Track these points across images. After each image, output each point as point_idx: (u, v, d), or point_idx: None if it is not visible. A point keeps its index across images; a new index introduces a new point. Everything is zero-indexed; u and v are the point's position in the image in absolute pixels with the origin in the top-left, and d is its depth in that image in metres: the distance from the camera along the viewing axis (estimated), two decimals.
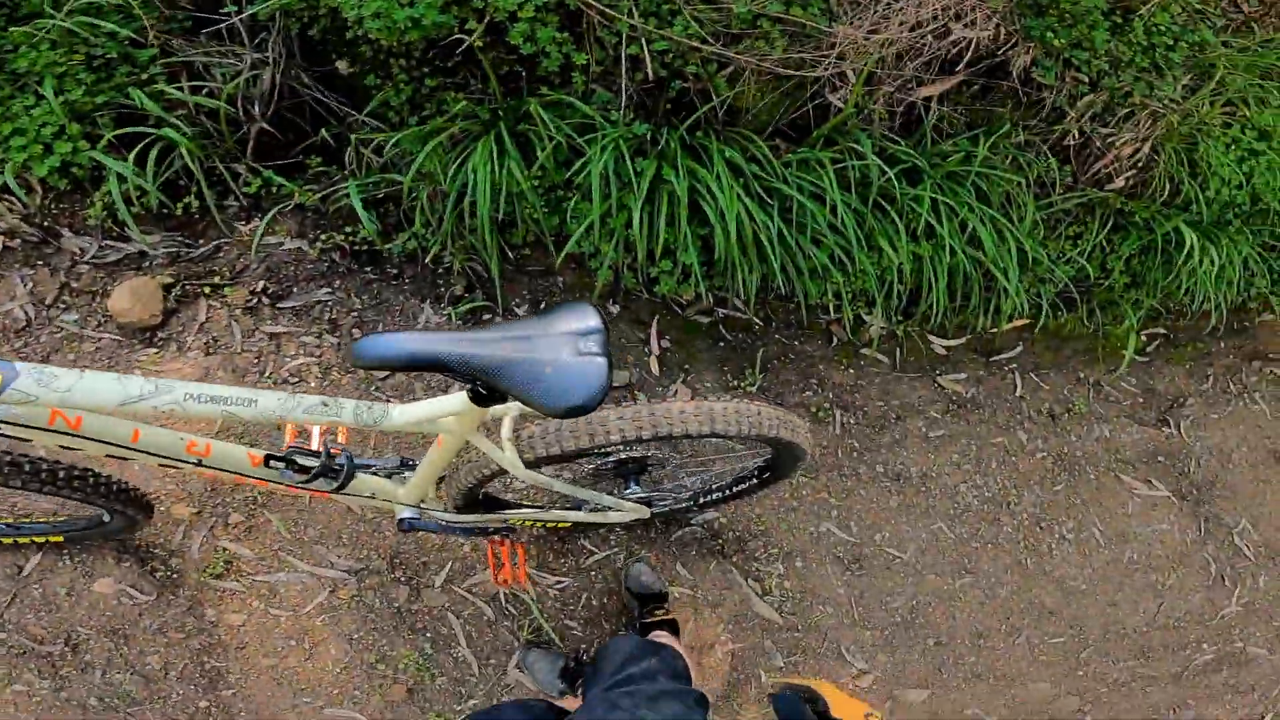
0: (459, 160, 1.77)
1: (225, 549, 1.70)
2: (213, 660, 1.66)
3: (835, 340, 2.21)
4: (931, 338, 2.29)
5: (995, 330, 2.26)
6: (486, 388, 0.96)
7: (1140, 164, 2.18)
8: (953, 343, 2.32)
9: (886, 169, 1.87)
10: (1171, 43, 2.05)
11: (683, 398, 1.12)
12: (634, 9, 1.76)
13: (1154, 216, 2.17)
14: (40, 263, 1.87)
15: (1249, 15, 2.38)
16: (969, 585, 2.13)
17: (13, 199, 1.83)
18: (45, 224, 1.87)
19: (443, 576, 1.80)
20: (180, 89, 1.79)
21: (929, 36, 1.95)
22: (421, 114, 1.86)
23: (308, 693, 1.68)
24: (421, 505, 1.39)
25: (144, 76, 1.81)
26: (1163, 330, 2.55)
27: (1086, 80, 2.03)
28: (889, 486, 2.14)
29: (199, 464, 1.13)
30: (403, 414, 1.02)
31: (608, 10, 1.73)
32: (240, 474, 1.18)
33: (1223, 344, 2.60)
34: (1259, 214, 2.30)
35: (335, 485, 1.17)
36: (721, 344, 2.12)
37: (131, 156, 1.76)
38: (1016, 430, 2.30)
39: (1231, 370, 2.59)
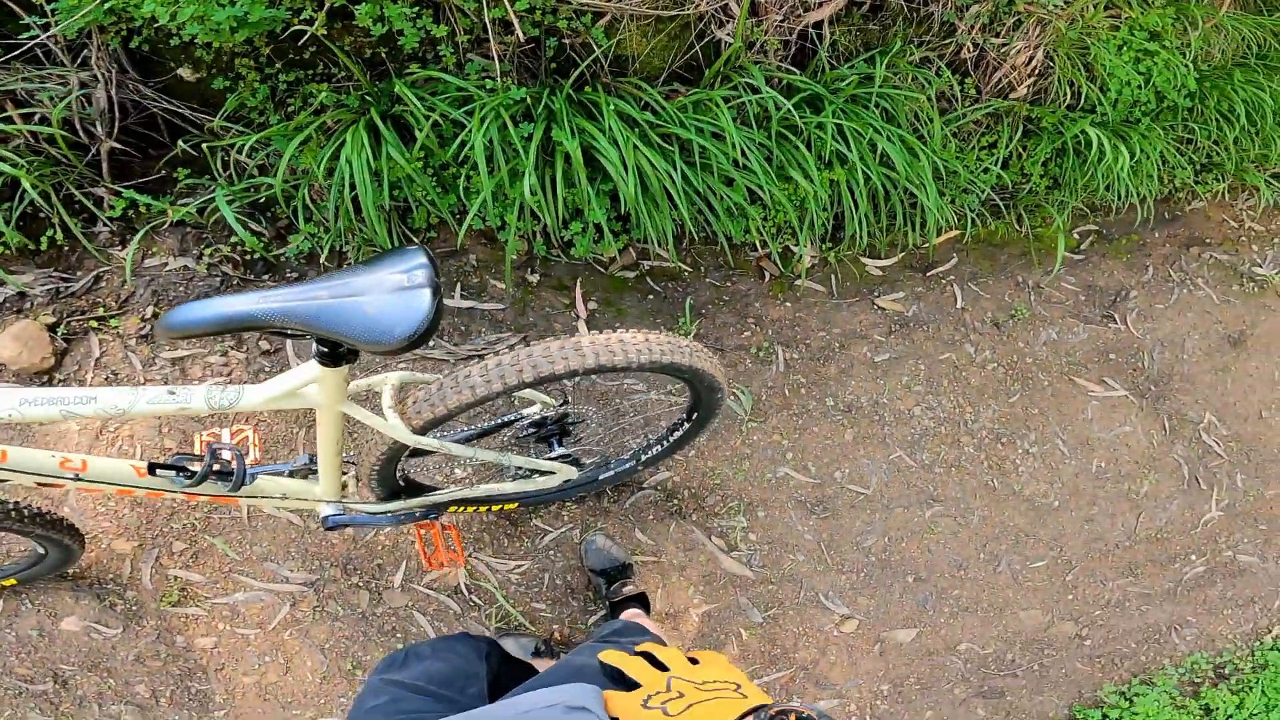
0: (334, 153, 1.72)
1: (176, 577, 1.73)
2: (197, 684, 1.70)
3: (767, 276, 2.19)
4: (864, 260, 2.28)
5: (927, 245, 2.25)
6: (321, 342, 0.92)
7: (1037, 71, 2.20)
8: (886, 262, 2.30)
9: (783, 100, 1.86)
10: None
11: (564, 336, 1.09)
12: None
13: (1061, 121, 2.19)
14: None
15: None
16: (939, 514, 2.12)
17: None
18: None
19: (400, 576, 1.79)
20: (9, 119, 1.72)
21: None
22: (287, 110, 1.80)
23: (295, 705, 1.71)
24: (342, 500, 1.35)
25: None
26: (1094, 227, 2.56)
27: None
28: (841, 420, 2.12)
29: (77, 479, 1.10)
30: (259, 392, 0.97)
31: None
32: (126, 486, 1.14)
33: (1156, 234, 2.62)
34: (1168, 110, 2.33)
35: (230, 486, 1.14)
36: (651, 296, 2.09)
37: None
38: (963, 344, 2.29)
39: (1170, 259, 2.61)
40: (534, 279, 2.02)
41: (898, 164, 1.95)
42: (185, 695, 1.69)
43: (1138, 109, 2.27)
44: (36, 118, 1.74)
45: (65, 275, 1.83)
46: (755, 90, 1.87)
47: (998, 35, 2.15)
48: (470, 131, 1.68)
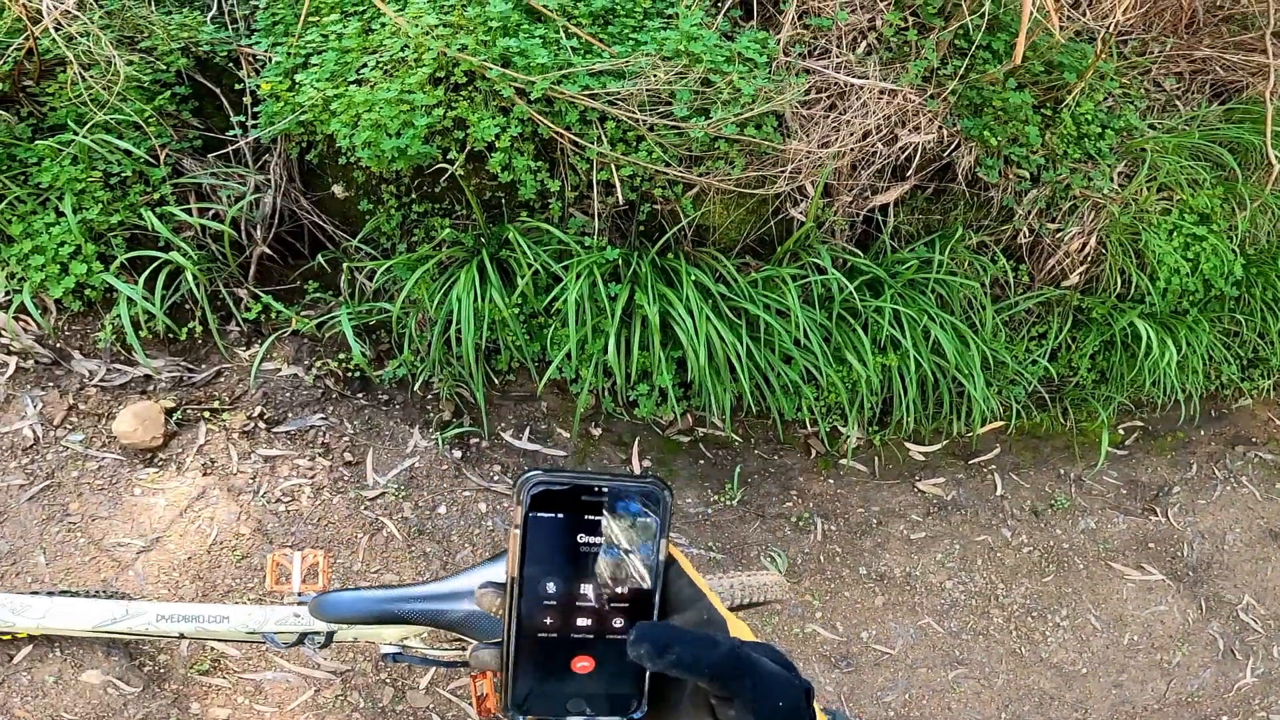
0: (444, 288, 1.96)
1: (214, 648, 1.81)
2: None
3: (814, 452, 2.34)
4: (908, 445, 2.42)
5: (970, 434, 2.38)
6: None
7: (1090, 258, 2.35)
8: (930, 448, 2.45)
9: (847, 283, 2.05)
10: (1100, 131, 2.22)
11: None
12: (603, 136, 1.99)
13: (1110, 312, 2.33)
14: (50, 384, 2.04)
15: (1170, 93, 2.60)
16: (963, 676, 2.18)
17: (28, 319, 2.01)
18: (57, 346, 2.05)
19: (427, 679, 1.88)
20: (189, 211, 1.98)
21: (878, 145, 2.16)
22: (411, 239, 2.04)
23: None
24: (403, 642, 1.49)
25: (156, 196, 2.00)
26: (1139, 423, 2.68)
27: (1027, 175, 2.21)
28: (873, 587, 2.23)
29: (181, 636, 1.23)
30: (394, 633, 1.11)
31: (577, 139, 1.95)
32: (227, 639, 1.29)
33: (1202, 431, 2.72)
34: (1215, 301, 2.43)
35: (320, 644, 1.29)
36: (702, 461, 2.25)
37: (141, 280, 1.94)
38: (1000, 528, 2.40)
39: (1215, 457, 2.70)
40: (596, 432, 2.20)
41: (949, 352, 2.10)
42: None
43: (1186, 299, 2.37)
44: (211, 213, 1.99)
45: (191, 366, 2.07)
46: (821, 270, 2.06)
47: (1053, 220, 2.33)
48: (565, 286, 1.90)
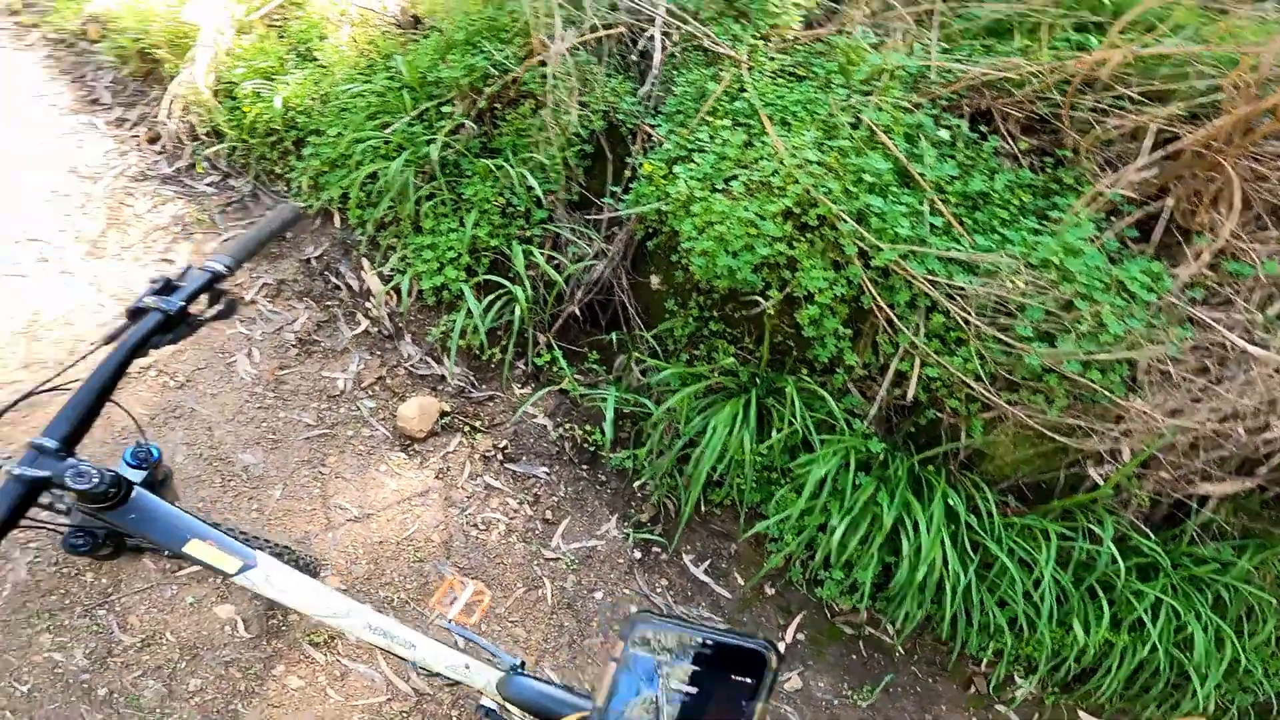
0: (703, 410, 1.98)
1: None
2: (239, 705, 1.70)
3: (973, 689, 2.15)
4: (1081, 711, 2.16)
5: None
6: None
7: None
8: None
9: (1120, 561, 1.84)
10: None
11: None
12: (922, 327, 1.81)
13: None
14: (378, 353, 2.33)
15: None
16: None
17: (393, 295, 2.30)
18: (399, 326, 2.34)
19: None
20: (543, 253, 2.16)
21: (1239, 429, 1.81)
22: (694, 352, 2.02)
23: None
24: (505, 704, 1.64)
25: (528, 233, 2.19)
26: None
27: None
28: None
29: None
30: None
31: (895, 320, 1.79)
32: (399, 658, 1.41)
33: None
34: None
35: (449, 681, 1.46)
36: (854, 656, 2.12)
37: (485, 301, 2.16)
38: None
39: None
40: (770, 591, 2.12)
41: (1198, 652, 1.87)
42: (220, 707, 1.69)
43: None
44: (555, 263, 2.16)
45: (475, 383, 2.26)
46: (1095, 539, 1.84)
47: None
48: (814, 459, 1.86)
